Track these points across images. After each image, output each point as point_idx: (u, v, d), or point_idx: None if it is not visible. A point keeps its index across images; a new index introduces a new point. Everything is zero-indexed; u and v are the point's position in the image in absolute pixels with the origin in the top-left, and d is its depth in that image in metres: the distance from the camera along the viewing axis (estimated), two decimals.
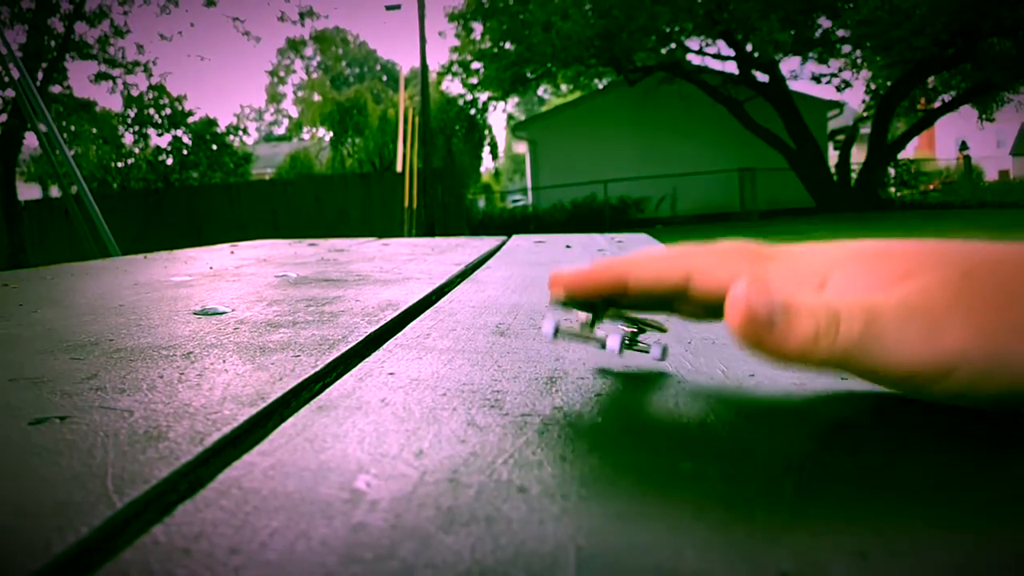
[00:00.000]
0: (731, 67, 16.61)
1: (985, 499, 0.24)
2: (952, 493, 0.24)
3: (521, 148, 22.03)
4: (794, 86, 16.97)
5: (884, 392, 0.34)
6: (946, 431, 0.29)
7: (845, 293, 0.30)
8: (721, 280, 0.33)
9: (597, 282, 0.36)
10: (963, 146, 23.04)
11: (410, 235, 11.04)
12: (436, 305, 0.68)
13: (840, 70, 17.14)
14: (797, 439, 0.30)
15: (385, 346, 0.50)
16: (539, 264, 1.08)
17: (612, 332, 0.38)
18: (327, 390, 0.38)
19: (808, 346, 0.27)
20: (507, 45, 16.61)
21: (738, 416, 0.33)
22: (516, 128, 20.78)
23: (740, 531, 0.21)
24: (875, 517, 0.22)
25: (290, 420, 0.33)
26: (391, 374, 0.41)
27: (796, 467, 0.26)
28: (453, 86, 19.55)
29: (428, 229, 11.81)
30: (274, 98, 41.59)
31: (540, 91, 21.63)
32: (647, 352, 0.40)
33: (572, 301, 0.38)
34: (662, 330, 0.41)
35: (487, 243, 1.54)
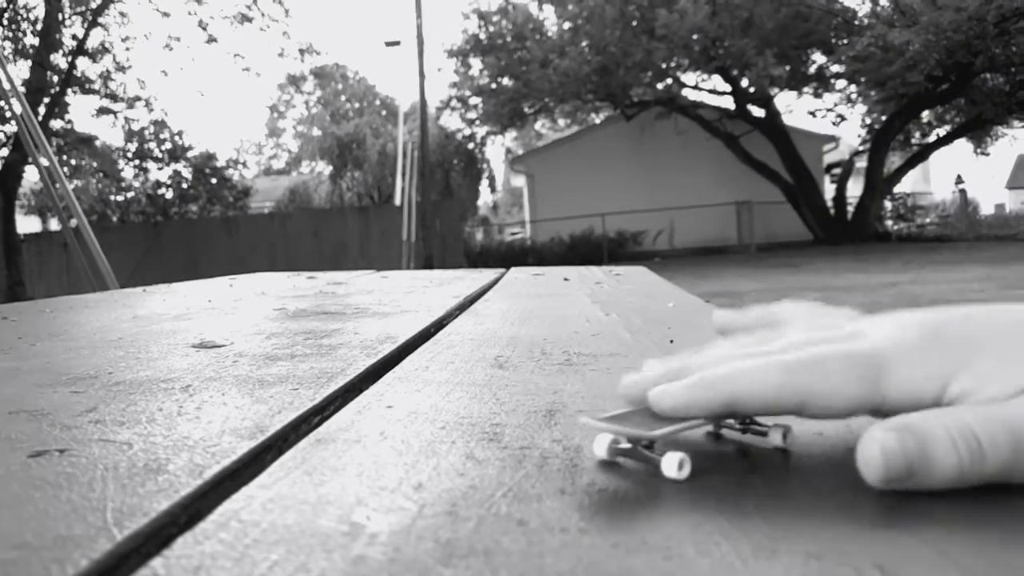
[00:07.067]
0: (727, 102, 16.80)
1: None
2: None
3: (519, 181, 22.16)
4: (790, 120, 17.16)
5: None
6: None
7: (979, 395, 0.28)
8: (839, 407, 0.29)
9: (704, 405, 0.30)
10: (959, 180, 23.20)
11: (408, 268, 11.06)
12: (434, 338, 0.68)
13: (835, 104, 17.33)
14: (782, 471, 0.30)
15: (383, 379, 0.50)
16: (537, 296, 1.08)
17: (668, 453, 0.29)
18: (326, 423, 0.38)
19: (955, 481, 0.26)
20: (505, 81, 16.80)
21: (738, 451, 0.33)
22: (514, 162, 20.92)
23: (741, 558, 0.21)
24: None
25: (289, 453, 0.33)
26: (389, 407, 0.42)
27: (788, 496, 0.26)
28: (451, 121, 19.69)
29: (426, 262, 11.83)
30: (273, 132, 41.87)
31: (538, 125, 21.82)
32: (764, 435, 0.33)
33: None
34: None
35: (485, 276, 1.54)
